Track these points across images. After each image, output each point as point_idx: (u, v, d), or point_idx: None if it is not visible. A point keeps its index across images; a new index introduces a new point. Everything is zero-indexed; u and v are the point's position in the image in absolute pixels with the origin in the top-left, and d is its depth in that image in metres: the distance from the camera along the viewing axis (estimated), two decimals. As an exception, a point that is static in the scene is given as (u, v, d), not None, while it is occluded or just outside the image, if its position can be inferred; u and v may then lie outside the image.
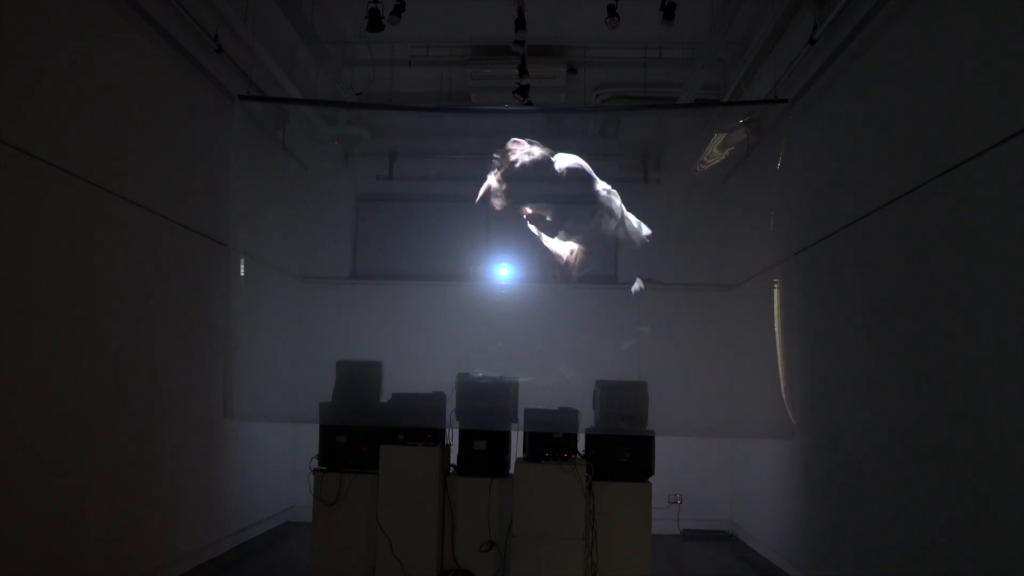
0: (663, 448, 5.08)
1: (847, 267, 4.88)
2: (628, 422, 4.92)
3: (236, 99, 5.32)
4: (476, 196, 5.40)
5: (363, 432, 5.02)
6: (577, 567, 4.63)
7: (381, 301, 7.62)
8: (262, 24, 5.74)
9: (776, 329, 5.03)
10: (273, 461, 7.17)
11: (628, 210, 5.55)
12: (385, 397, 5.15)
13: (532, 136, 5.47)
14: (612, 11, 5.15)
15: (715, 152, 6.23)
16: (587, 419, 5.01)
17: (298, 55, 6.60)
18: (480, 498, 4.87)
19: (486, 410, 4.95)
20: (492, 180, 5.31)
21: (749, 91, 6.45)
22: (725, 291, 7.25)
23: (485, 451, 4.95)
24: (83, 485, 4.34)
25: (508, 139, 5.42)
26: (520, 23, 5.31)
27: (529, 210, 5.48)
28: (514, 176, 5.32)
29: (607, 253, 7.87)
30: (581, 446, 4.96)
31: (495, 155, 5.34)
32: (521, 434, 4.98)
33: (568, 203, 5.73)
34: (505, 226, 5.77)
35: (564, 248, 5.52)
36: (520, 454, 4.97)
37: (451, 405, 5.00)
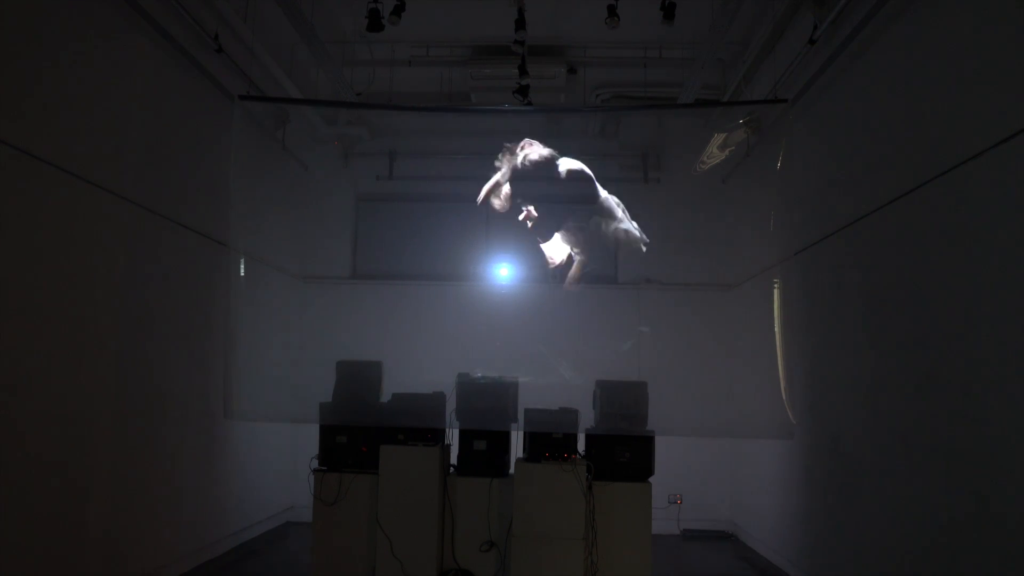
0: (663, 448, 5.08)
1: (847, 267, 4.88)
2: (628, 422, 4.92)
3: (236, 99, 5.32)
4: (477, 196, 5.41)
5: (363, 432, 5.02)
6: (577, 567, 4.63)
7: (381, 301, 7.61)
8: (262, 24, 5.74)
9: (776, 329, 5.03)
10: (273, 461, 7.17)
11: (628, 211, 5.56)
12: (385, 397, 5.15)
13: (532, 136, 5.48)
14: (612, 11, 5.15)
15: (715, 152, 6.23)
16: (587, 419, 5.01)
17: (298, 55, 6.60)
18: (480, 498, 4.87)
19: (486, 410, 4.95)
20: (498, 177, 5.32)
21: (749, 91, 6.45)
22: (725, 291, 7.25)
23: (485, 451, 4.95)
24: (83, 485, 4.34)
25: (508, 139, 5.43)
26: (520, 23, 5.31)
27: (525, 214, 5.49)
28: (519, 175, 5.33)
29: (607, 253, 7.87)
30: (581, 446, 4.96)
31: (506, 144, 5.34)
32: (521, 434, 4.98)
33: (569, 203, 5.74)
34: (505, 226, 5.77)
35: (560, 253, 5.53)
36: (520, 454, 4.97)
37: (451, 405, 5.00)
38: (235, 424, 6.13)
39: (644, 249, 5.55)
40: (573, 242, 5.60)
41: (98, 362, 4.47)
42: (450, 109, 7.31)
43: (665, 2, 5.17)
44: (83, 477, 4.34)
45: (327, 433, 5.07)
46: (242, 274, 5.17)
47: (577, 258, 5.58)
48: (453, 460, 5.05)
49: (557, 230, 5.60)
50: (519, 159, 5.30)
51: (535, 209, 5.53)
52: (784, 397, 4.87)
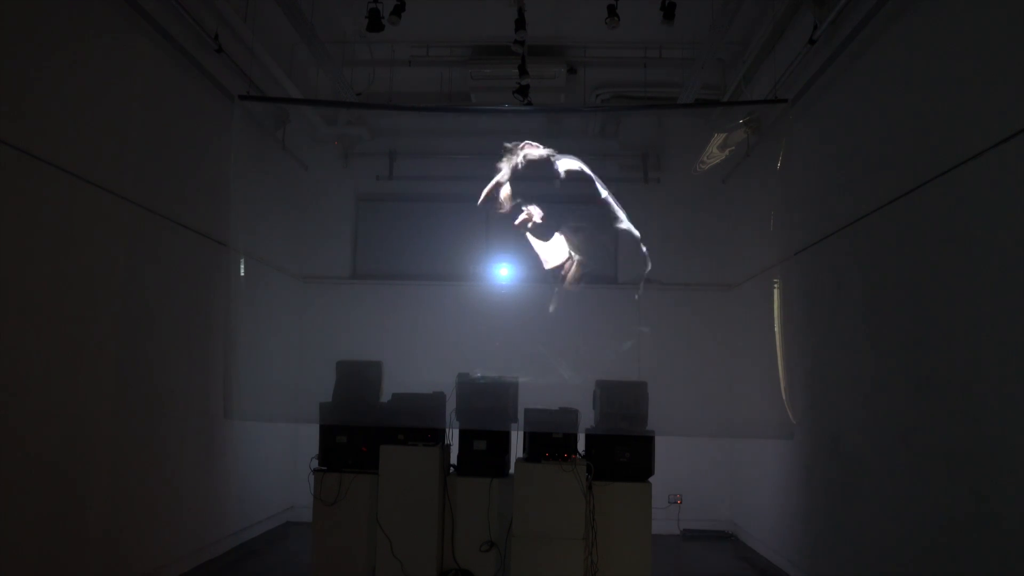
0: (663, 448, 5.08)
1: (847, 267, 4.88)
2: (628, 422, 4.92)
3: (236, 99, 5.32)
4: (477, 196, 5.41)
5: (363, 432, 5.02)
6: (577, 567, 4.63)
7: (381, 301, 7.62)
8: (262, 24, 5.75)
9: (776, 329, 5.03)
10: (273, 461, 7.17)
11: (628, 210, 5.57)
12: (385, 397, 5.15)
13: (532, 136, 5.48)
14: (612, 11, 5.15)
15: (715, 152, 6.23)
16: (587, 419, 5.01)
17: (298, 55, 6.60)
18: (480, 498, 4.87)
19: (486, 410, 4.95)
20: (499, 178, 5.32)
21: (749, 91, 6.45)
22: (725, 291, 7.25)
23: (485, 451, 4.95)
24: (83, 485, 4.34)
25: (508, 139, 5.43)
26: (520, 23, 5.32)
27: (525, 215, 5.49)
28: (519, 176, 5.33)
29: (607, 253, 7.87)
30: (581, 446, 4.96)
31: (506, 144, 5.34)
32: (521, 434, 4.98)
33: (569, 203, 5.75)
34: (505, 226, 5.77)
35: (559, 255, 5.53)
36: (520, 454, 4.97)
37: (451, 405, 5.00)
38: (235, 424, 6.13)
39: (644, 249, 5.55)
40: (573, 242, 5.61)
41: (98, 362, 4.47)
42: (450, 109, 7.31)
43: (665, 2, 5.18)
44: (83, 477, 4.34)
45: (327, 433, 5.07)
46: (242, 274, 5.17)
47: (576, 258, 5.58)
48: (453, 460, 5.05)
49: (556, 230, 5.61)
50: (518, 159, 5.31)
51: (538, 209, 5.52)
52: (784, 397, 4.87)
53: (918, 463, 3.87)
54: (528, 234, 5.54)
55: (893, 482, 4.14)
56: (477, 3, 6.02)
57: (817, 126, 5.45)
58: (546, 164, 5.33)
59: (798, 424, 5.00)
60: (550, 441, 4.82)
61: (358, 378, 5.15)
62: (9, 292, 3.72)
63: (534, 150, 5.34)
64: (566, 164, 5.39)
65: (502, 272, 6.34)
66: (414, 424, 4.95)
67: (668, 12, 5.19)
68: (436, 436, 4.98)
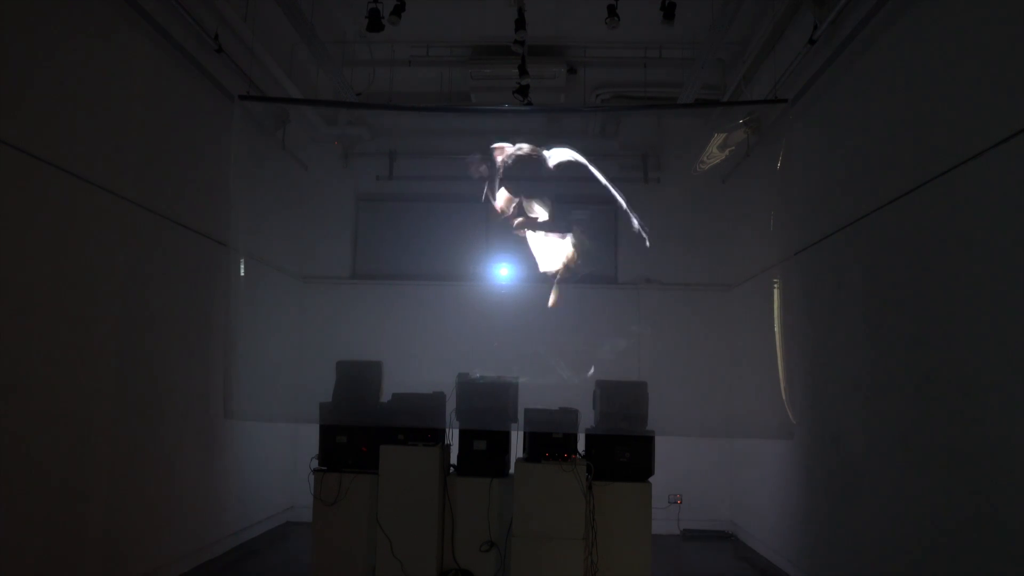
0: (663, 448, 5.08)
1: (847, 267, 4.88)
2: (628, 422, 4.92)
3: (236, 99, 5.32)
4: (478, 196, 5.42)
5: (363, 432, 5.02)
6: (577, 567, 4.63)
7: (381, 301, 7.62)
8: (262, 24, 5.74)
9: (776, 329, 5.03)
10: (273, 461, 7.17)
11: (627, 210, 5.57)
12: (385, 397, 5.15)
13: (532, 136, 5.48)
14: (612, 11, 5.15)
15: (715, 152, 6.23)
16: (587, 419, 5.01)
17: (298, 55, 6.60)
18: (480, 498, 4.87)
19: (486, 410, 4.95)
20: (490, 180, 5.32)
21: (749, 91, 6.45)
22: (725, 291, 7.25)
23: (485, 451, 4.95)
24: (83, 485, 4.34)
25: (508, 139, 5.43)
26: (520, 23, 5.32)
27: (522, 216, 5.50)
28: (510, 175, 5.33)
29: (607, 253, 7.88)
30: (581, 446, 4.96)
31: (492, 146, 5.35)
32: (521, 434, 4.98)
33: (570, 203, 5.75)
34: (505, 226, 5.78)
35: (559, 248, 5.53)
36: (520, 454, 4.97)
37: (451, 405, 5.00)
38: (235, 424, 6.13)
39: (648, 243, 5.55)
40: (578, 233, 5.60)
41: (98, 362, 4.47)
42: (450, 109, 7.32)
43: (665, 2, 5.18)
44: (83, 477, 4.34)
45: (327, 433, 5.07)
46: (242, 274, 5.17)
47: (574, 249, 5.56)
48: (453, 460, 5.05)
49: (564, 224, 5.60)
50: (504, 156, 5.30)
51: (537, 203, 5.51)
52: (784, 397, 4.87)
53: (918, 463, 3.87)
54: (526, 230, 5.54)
55: (893, 482, 4.14)
56: (477, 3, 6.02)
57: (817, 126, 5.45)
58: (533, 159, 5.33)
59: (798, 424, 5.00)
60: (550, 441, 4.82)
61: (358, 378, 5.15)
62: (9, 292, 3.72)
63: (511, 149, 5.33)
64: (556, 156, 5.39)
65: (502, 272, 6.35)
66: (414, 424, 4.95)
67: (668, 12, 5.19)
68: (436, 436, 4.98)
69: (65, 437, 4.16)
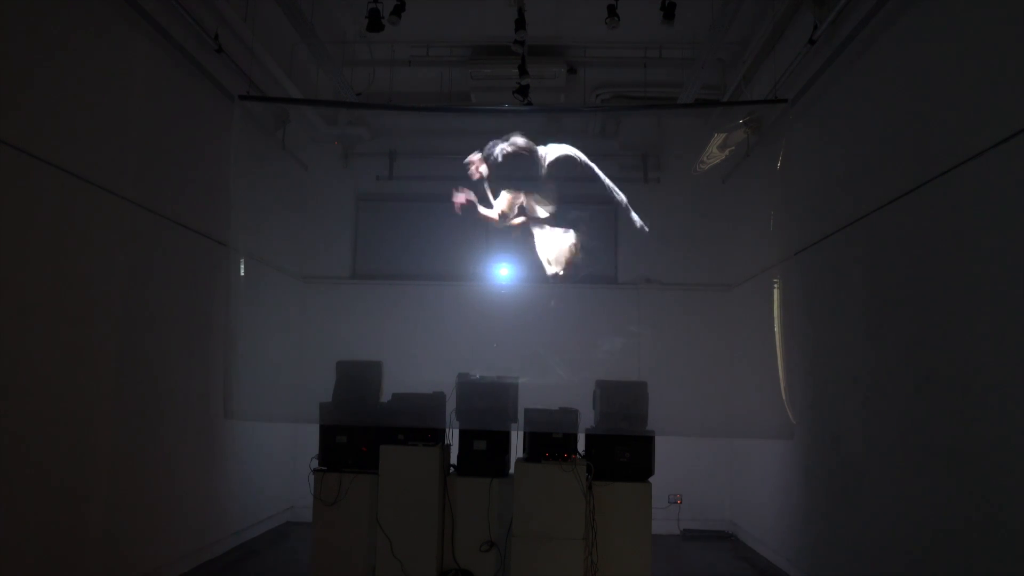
0: (663, 448, 5.07)
1: (847, 267, 4.88)
2: (628, 422, 4.92)
3: (236, 99, 5.32)
4: (480, 199, 5.43)
5: (363, 432, 5.02)
6: (577, 567, 4.63)
7: (381, 301, 7.61)
8: (262, 24, 5.74)
9: (776, 329, 5.03)
10: (273, 461, 7.17)
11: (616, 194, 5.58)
12: (385, 397, 5.15)
13: (532, 136, 5.49)
14: (612, 11, 5.15)
15: (715, 152, 6.23)
16: (587, 419, 5.01)
17: (298, 55, 6.60)
18: (480, 498, 4.87)
19: (486, 410, 4.95)
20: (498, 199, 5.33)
21: (749, 91, 6.45)
22: (725, 291, 7.25)
23: (485, 451, 4.95)
24: (83, 485, 4.34)
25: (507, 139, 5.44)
26: (520, 23, 5.32)
27: (524, 215, 5.49)
28: (499, 174, 5.33)
29: (607, 253, 7.88)
30: (581, 446, 4.96)
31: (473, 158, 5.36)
32: (521, 434, 4.98)
33: (570, 203, 5.75)
34: (505, 226, 5.77)
35: (561, 243, 5.53)
36: (520, 454, 4.97)
37: (451, 405, 5.00)
38: (235, 424, 6.13)
39: (646, 229, 5.54)
40: (578, 232, 5.60)
41: (98, 362, 4.47)
42: (450, 109, 7.32)
43: (665, 2, 5.18)
44: (83, 477, 4.34)
45: (327, 433, 5.07)
46: (242, 274, 5.17)
47: (574, 244, 5.55)
48: (453, 460, 5.05)
49: (565, 222, 5.60)
50: (494, 153, 5.29)
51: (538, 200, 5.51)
52: (784, 397, 4.87)
53: (918, 463, 3.87)
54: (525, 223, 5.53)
55: (893, 482, 4.14)
56: (477, 3, 6.03)
57: (817, 126, 5.45)
58: (525, 155, 5.32)
59: (798, 424, 5.00)
60: (550, 441, 4.82)
61: (358, 378, 5.15)
62: (9, 292, 3.72)
63: (501, 146, 5.33)
64: (554, 151, 5.38)
65: (502, 272, 6.34)
66: (414, 424, 4.95)
67: (668, 12, 5.19)
68: (436, 436, 4.98)
69: (65, 437, 4.16)
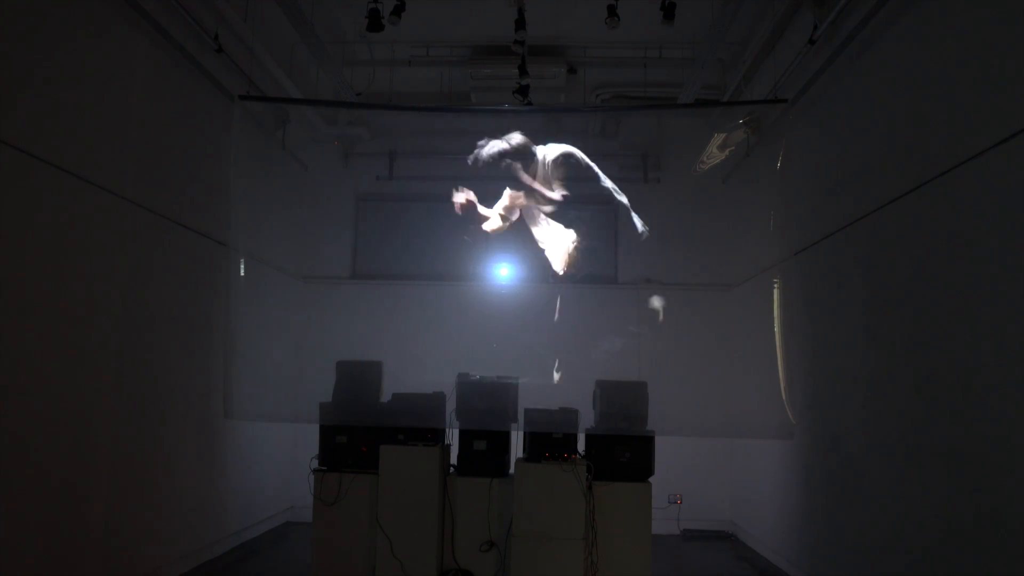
0: (663, 448, 5.08)
1: (847, 267, 4.88)
2: (628, 422, 4.92)
3: (236, 99, 5.32)
4: (481, 197, 5.43)
5: (363, 432, 5.02)
6: (577, 567, 4.63)
7: (381, 301, 7.62)
8: (262, 24, 5.74)
9: (776, 329, 5.03)
10: (273, 461, 7.17)
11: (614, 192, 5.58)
12: (385, 397, 5.15)
13: (532, 136, 5.48)
14: (612, 11, 5.15)
15: (715, 152, 6.23)
16: (587, 419, 5.01)
17: (298, 55, 6.60)
18: (480, 498, 4.87)
19: (486, 410, 4.95)
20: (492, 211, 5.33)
21: (749, 91, 6.45)
22: (725, 291, 7.25)
23: (485, 451, 4.95)
24: (83, 485, 4.34)
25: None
26: (520, 23, 5.32)
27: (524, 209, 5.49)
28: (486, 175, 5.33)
29: (607, 253, 7.88)
30: (581, 446, 4.96)
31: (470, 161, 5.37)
32: (521, 434, 4.98)
33: (570, 203, 5.75)
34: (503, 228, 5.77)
35: (561, 242, 5.52)
36: (520, 454, 4.97)
37: (451, 405, 5.00)
38: (235, 424, 6.13)
39: (647, 232, 5.55)
40: (577, 232, 5.60)
41: (98, 362, 4.47)
42: (450, 109, 7.32)
43: (665, 2, 5.18)
44: (83, 477, 4.34)
45: (327, 433, 5.07)
46: (242, 274, 5.17)
47: (574, 245, 5.54)
48: (453, 460, 5.05)
49: (564, 221, 5.60)
50: (482, 157, 5.29)
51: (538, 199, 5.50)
52: (784, 397, 4.87)
53: (918, 463, 3.87)
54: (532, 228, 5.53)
55: (893, 482, 4.14)
56: (477, 3, 6.03)
57: (817, 126, 5.45)
58: (520, 153, 5.31)
59: (798, 424, 5.00)
60: (550, 441, 4.82)
61: (358, 378, 5.15)
62: (9, 292, 3.72)
63: (492, 145, 5.32)
64: (554, 150, 5.38)
65: (502, 272, 6.34)
66: (414, 424, 4.95)
67: (668, 12, 5.19)
68: (436, 436, 4.98)
69: (65, 437, 4.16)
